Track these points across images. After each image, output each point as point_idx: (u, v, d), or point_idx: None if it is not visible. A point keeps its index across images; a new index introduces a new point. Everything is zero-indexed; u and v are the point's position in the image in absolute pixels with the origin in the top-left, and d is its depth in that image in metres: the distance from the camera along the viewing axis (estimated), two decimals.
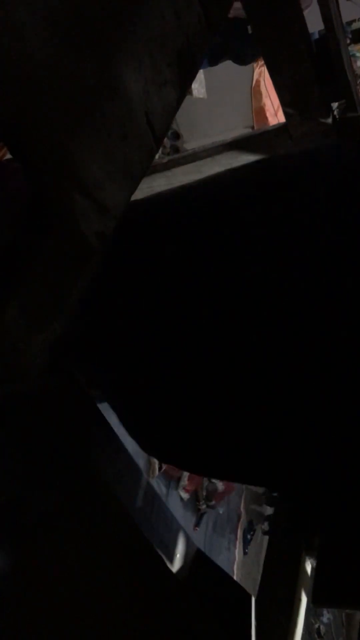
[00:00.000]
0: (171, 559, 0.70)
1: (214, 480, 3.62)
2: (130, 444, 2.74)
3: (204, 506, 3.66)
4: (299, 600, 0.87)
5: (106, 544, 0.47)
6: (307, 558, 0.92)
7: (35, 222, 0.49)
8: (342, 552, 0.87)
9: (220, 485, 3.67)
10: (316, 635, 4.60)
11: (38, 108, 0.44)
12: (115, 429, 0.84)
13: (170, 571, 0.58)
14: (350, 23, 4.08)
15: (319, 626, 4.70)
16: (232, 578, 0.79)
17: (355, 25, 4.33)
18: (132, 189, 0.56)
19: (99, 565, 0.46)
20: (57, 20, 0.47)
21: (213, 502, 3.70)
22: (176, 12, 0.66)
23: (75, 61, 0.48)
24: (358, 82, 1.80)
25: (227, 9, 0.83)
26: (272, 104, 4.02)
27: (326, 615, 4.79)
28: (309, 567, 0.91)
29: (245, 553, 4.22)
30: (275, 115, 4.04)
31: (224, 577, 0.83)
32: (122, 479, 0.65)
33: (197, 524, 3.64)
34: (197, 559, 0.76)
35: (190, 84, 0.74)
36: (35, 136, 0.45)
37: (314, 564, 0.90)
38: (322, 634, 4.66)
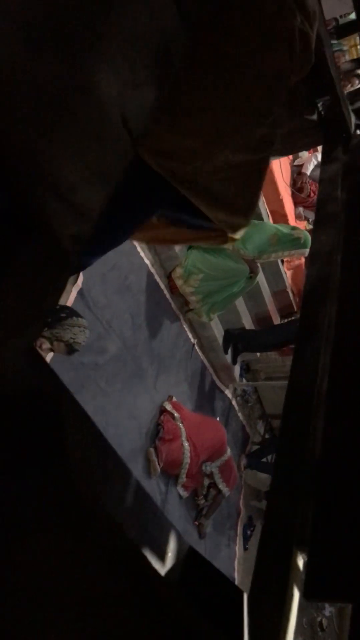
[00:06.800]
0: (162, 557, 0.70)
1: (221, 488, 3.66)
2: (129, 442, 2.73)
3: (203, 501, 3.67)
4: (291, 595, 0.87)
5: (87, 546, 0.47)
6: (298, 553, 0.92)
7: (11, 227, 0.49)
8: (333, 546, 0.88)
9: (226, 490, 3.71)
10: (318, 629, 4.62)
11: (7, 111, 0.44)
12: (103, 431, 0.84)
13: (154, 569, 0.58)
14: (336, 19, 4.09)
15: (321, 619, 4.71)
16: (224, 575, 0.79)
17: (342, 20, 4.33)
18: (107, 191, 0.55)
19: (81, 568, 0.46)
20: (25, 21, 0.46)
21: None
22: (150, 12, 0.66)
23: (45, 63, 0.47)
24: (342, 78, 1.80)
25: (203, 6, 0.83)
26: None
27: (328, 609, 4.80)
28: (300, 562, 0.92)
29: (245, 549, 4.23)
30: None
31: (216, 574, 0.83)
32: (110, 480, 0.65)
33: (197, 519, 3.66)
34: (188, 556, 0.77)
35: (168, 83, 0.74)
36: (6, 139, 0.45)
37: (306, 559, 0.90)
38: (324, 627, 4.67)
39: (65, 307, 2.02)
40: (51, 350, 1.94)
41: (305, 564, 0.87)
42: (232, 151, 0.98)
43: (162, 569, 0.70)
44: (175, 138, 0.87)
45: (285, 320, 4.77)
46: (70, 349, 1.95)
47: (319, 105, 1.58)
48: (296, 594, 0.87)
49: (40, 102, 0.46)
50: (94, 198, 0.54)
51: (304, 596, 0.84)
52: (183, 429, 3.31)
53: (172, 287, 3.62)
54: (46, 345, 1.90)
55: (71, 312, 1.99)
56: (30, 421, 0.46)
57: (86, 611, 0.50)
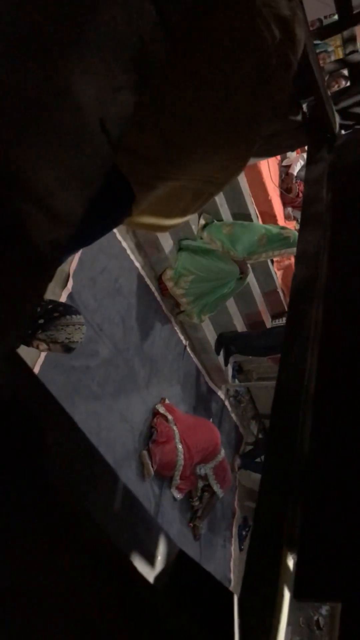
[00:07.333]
0: (152, 561, 0.70)
1: (216, 489, 3.67)
2: (122, 445, 2.70)
3: (197, 503, 3.67)
4: (282, 595, 0.87)
5: (71, 554, 0.47)
6: (288, 553, 0.92)
7: None
8: (322, 546, 0.88)
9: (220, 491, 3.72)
10: (315, 627, 4.63)
11: None
12: (96, 435, 0.85)
13: (142, 575, 0.58)
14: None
15: (318, 618, 4.72)
16: (214, 577, 0.79)
17: (327, 21, 4.36)
18: (87, 195, 0.55)
19: (64, 577, 0.46)
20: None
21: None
22: (129, 17, 0.66)
23: (20, 69, 0.47)
24: (326, 79, 1.82)
25: (184, 11, 0.83)
26: None
27: (325, 607, 4.81)
28: (291, 562, 0.92)
29: (241, 549, 4.24)
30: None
31: (206, 576, 0.83)
32: (97, 485, 0.64)
33: (191, 520, 3.66)
34: (178, 559, 0.77)
35: (148, 86, 0.74)
36: None
37: (296, 559, 0.90)
38: (321, 625, 4.69)
39: (58, 305, 1.92)
40: (49, 350, 1.90)
41: (295, 564, 0.88)
42: (193, 169, 0.98)
43: (152, 573, 0.70)
44: (143, 137, 0.88)
45: (278, 322, 4.78)
46: (67, 349, 1.89)
47: (304, 106, 1.59)
48: (287, 594, 0.87)
49: (16, 107, 0.46)
50: (73, 204, 0.54)
51: (294, 596, 0.85)
52: (176, 431, 3.31)
53: (163, 289, 3.62)
54: (43, 346, 1.87)
55: (65, 310, 1.88)
56: (10, 427, 0.45)
57: (69, 621, 0.50)
